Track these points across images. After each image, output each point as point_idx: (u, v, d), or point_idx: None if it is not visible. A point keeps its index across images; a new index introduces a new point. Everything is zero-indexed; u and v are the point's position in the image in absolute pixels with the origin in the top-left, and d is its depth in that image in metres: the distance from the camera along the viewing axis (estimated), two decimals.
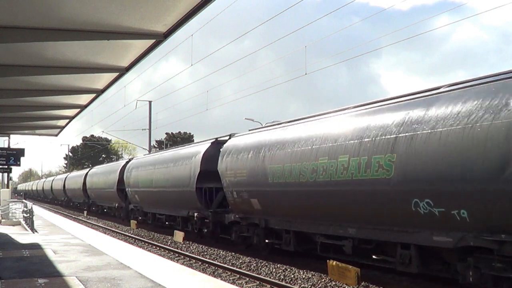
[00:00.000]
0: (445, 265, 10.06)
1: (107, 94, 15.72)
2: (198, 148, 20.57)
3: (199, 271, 13.06)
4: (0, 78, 12.10)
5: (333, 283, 11.56)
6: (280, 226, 14.54)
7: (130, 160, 33.14)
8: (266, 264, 14.39)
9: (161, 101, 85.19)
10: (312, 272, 12.83)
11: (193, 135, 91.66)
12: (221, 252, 17.21)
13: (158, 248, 19.08)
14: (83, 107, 17.43)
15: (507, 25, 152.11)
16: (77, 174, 50.20)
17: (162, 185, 23.29)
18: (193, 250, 18.13)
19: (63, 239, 18.06)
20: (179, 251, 17.75)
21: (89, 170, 44.28)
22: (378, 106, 11.42)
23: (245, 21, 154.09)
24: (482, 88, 9.00)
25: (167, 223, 24.30)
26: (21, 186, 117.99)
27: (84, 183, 43.15)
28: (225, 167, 16.89)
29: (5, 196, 28.77)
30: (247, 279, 12.64)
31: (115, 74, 12.62)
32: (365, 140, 10.75)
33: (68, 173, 60.83)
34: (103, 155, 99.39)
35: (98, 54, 10.97)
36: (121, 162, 34.16)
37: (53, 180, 65.49)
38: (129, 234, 24.32)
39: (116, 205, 33.51)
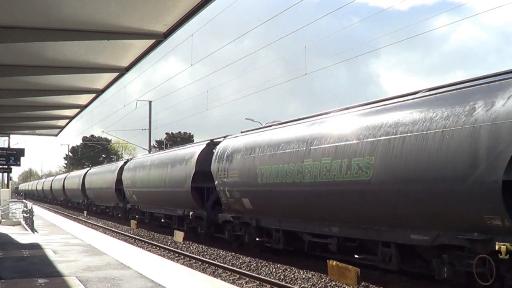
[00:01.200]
0: None
1: (107, 94, 15.75)
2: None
3: (199, 271, 13.06)
4: (0, 78, 12.11)
5: (333, 283, 11.56)
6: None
7: (214, 140, 20.02)
8: (266, 264, 14.38)
9: (161, 101, 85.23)
10: (312, 272, 12.83)
11: (193, 135, 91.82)
12: (221, 252, 17.20)
13: (158, 248, 19.08)
14: (83, 107, 17.44)
15: (507, 25, 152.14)
16: (103, 170, 38.02)
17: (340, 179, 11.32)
18: (193, 250, 18.12)
19: (63, 239, 18.06)
20: (179, 251, 17.74)
21: (126, 163, 31.67)
22: None
23: (245, 21, 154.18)
24: None
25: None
26: (23, 186, 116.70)
27: (119, 180, 31.17)
28: None
29: (5, 196, 28.77)
30: (247, 279, 12.63)
31: (115, 74, 12.63)
32: None
33: (88, 168, 49.24)
34: (103, 155, 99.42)
35: (98, 54, 10.98)
36: (198, 146, 20.89)
37: (65, 178, 55.69)
38: (129, 234, 24.31)
39: (190, 213, 20.14)
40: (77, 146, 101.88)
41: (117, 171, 32.14)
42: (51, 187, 66.10)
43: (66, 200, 56.10)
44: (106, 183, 34.89)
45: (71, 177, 52.80)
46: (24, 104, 16.21)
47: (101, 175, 37.63)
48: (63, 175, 61.82)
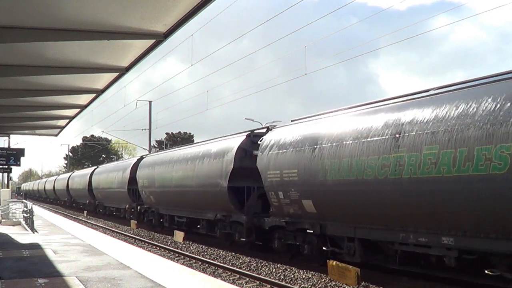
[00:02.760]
0: None
1: (107, 94, 15.74)
2: None
3: (199, 271, 13.07)
4: (0, 78, 12.11)
5: (333, 283, 11.56)
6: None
7: None
8: (266, 264, 14.38)
9: (161, 101, 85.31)
10: (312, 272, 12.83)
11: (193, 135, 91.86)
12: (221, 252, 17.20)
13: (158, 248, 19.08)
14: (83, 107, 17.44)
15: (507, 25, 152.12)
16: (113, 168, 34.83)
17: None
18: (193, 250, 18.13)
19: (63, 239, 18.06)
20: (179, 251, 17.74)
21: (140, 160, 29.15)
22: None
23: (244, 22, 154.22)
24: None
25: None
26: (25, 186, 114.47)
27: (132, 179, 28.59)
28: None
29: (5, 196, 28.77)
30: (247, 279, 12.64)
31: (115, 74, 12.63)
32: None
33: (95, 166, 43.36)
34: (103, 155, 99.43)
35: (98, 54, 10.98)
36: None
37: (69, 178, 49.79)
38: (129, 234, 24.31)
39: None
40: (77, 146, 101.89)
41: (130, 169, 29.17)
42: (53, 187, 60.79)
43: (71, 201, 51.05)
44: (116, 183, 31.70)
45: (76, 176, 47.81)
46: (24, 104, 16.20)
47: (110, 173, 34.11)
48: (67, 174, 55.84)
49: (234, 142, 17.10)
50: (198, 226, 20.32)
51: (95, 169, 41.29)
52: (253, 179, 15.70)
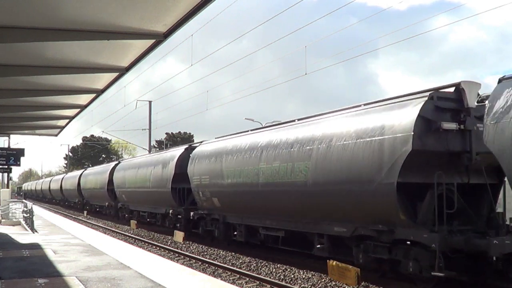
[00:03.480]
0: None
1: (107, 94, 15.73)
2: None
3: (199, 271, 13.07)
4: (0, 78, 12.11)
5: (333, 283, 11.56)
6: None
7: None
8: (266, 264, 14.39)
9: (160, 101, 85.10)
10: (312, 272, 12.83)
11: (193, 135, 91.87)
12: (221, 252, 17.21)
13: (158, 248, 19.09)
14: (83, 107, 17.44)
15: (507, 25, 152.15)
16: (147, 161, 27.31)
17: None
18: (193, 250, 18.13)
19: (63, 239, 18.07)
20: (179, 251, 17.75)
21: (191, 149, 21.97)
22: None
23: (244, 22, 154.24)
24: None
25: None
26: (26, 186, 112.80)
27: (178, 176, 21.70)
28: None
29: (5, 196, 28.78)
30: (247, 279, 12.64)
31: (115, 74, 12.64)
32: None
33: (117, 162, 36.27)
34: (103, 155, 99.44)
35: (98, 54, 10.99)
36: None
37: (81, 176, 43.10)
38: (129, 234, 24.32)
39: None
40: (77, 146, 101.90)
41: (173, 162, 22.50)
42: (61, 187, 53.44)
43: (83, 203, 44.30)
44: (152, 181, 24.85)
45: (91, 173, 40.91)
46: (24, 104, 16.21)
47: (141, 169, 27.10)
48: (78, 172, 49.00)
49: (407, 110, 10.37)
50: (318, 246, 12.98)
51: (116, 164, 34.47)
52: (441, 170, 9.99)
